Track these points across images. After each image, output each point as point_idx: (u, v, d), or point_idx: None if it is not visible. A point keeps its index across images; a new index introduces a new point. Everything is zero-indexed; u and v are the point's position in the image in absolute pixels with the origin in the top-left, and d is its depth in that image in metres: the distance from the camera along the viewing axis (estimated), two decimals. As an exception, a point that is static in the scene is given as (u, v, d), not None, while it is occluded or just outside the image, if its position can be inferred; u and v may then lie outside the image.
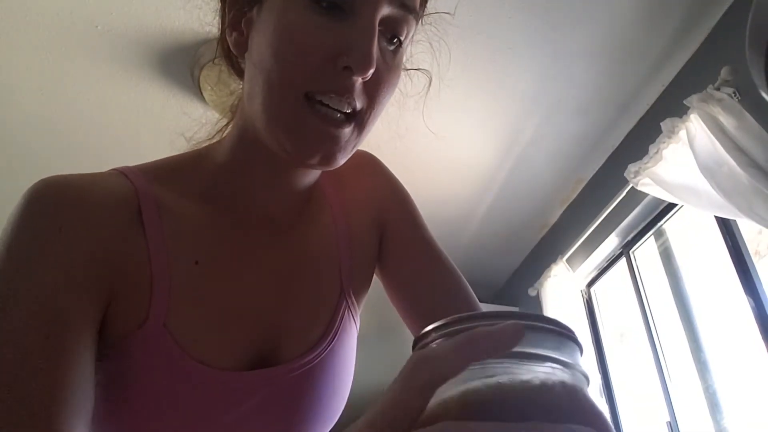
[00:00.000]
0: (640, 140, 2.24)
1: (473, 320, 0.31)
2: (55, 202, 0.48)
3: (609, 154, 2.55)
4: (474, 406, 0.28)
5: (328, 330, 0.59)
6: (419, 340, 0.33)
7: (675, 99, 2.03)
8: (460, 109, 2.32)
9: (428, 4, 0.61)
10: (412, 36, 0.57)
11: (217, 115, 2.41)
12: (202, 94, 2.15)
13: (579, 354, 0.32)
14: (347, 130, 0.51)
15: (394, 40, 0.52)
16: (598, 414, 0.28)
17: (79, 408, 0.41)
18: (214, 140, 0.64)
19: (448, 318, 0.31)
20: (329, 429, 0.60)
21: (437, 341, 0.31)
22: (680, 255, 2.28)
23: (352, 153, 0.54)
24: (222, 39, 0.62)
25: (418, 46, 0.71)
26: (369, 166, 0.75)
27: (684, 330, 2.14)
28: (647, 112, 2.31)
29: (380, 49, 0.51)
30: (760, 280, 1.78)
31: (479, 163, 2.60)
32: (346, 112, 0.50)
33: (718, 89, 1.77)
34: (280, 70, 0.49)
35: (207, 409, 0.49)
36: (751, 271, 1.81)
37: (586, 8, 1.91)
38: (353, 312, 0.64)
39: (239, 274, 0.56)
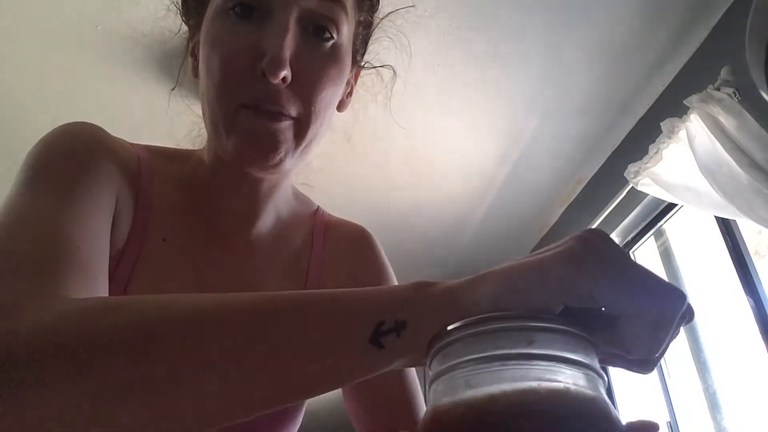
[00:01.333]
0: (640, 140, 2.24)
1: (495, 320, 0.31)
2: (94, 133, 0.54)
3: (609, 154, 2.55)
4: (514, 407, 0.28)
5: None
6: (436, 340, 0.33)
7: (675, 99, 2.03)
8: (460, 109, 2.32)
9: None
10: (357, 30, 0.57)
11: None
12: (202, 94, 2.16)
13: (595, 355, 0.32)
14: (283, 125, 0.50)
15: (325, 35, 0.52)
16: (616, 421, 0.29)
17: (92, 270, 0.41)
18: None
19: (471, 318, 0.31)
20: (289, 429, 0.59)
21: (457, 341, 0.31)
22: (680, 255, 2.28)
23: (298, 159, 0.54)
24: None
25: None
26: (365, 240, 0.71)
27: (684, 330, 2.14)
28: (647, 112, 2.31)
29: (309, 47, 0.51)
30: (760, 280, 1.78)
31: (479, 163, 2.60)
32: (278, 112, 0.50)
33: (718, 89, 1.77)
34: (213, 85, 0.51)
35: None
36: (751, 271, 1.81)
37: (586, 9, 1.91)
38: None
39: (201, 262, 0.57)
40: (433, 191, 2.79)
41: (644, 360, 0.35)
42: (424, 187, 2.76)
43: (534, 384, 0.28)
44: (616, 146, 2.50)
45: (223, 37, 0.50)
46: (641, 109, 2.32)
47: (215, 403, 0.32)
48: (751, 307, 1.77)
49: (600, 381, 0.30)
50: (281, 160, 0.52)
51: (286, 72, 0.48)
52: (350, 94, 0.64)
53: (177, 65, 2.46)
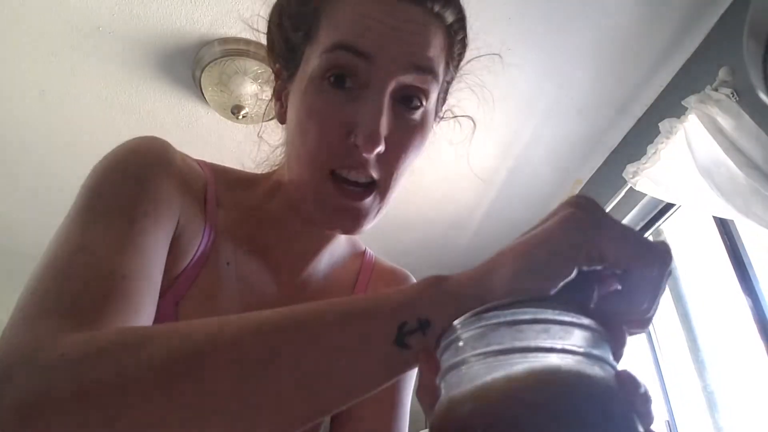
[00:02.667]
0: (639, 141, 2.24)
1: (510, 312, 0.31)
2: (166, 153, 0.54)
3: (607, 154, 2.55)
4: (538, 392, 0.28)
5: None
6: (448, 331, 0.33)
7: (673, 100, 2.03)
8: (459, 109, 2.32)
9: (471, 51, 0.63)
10: (441, 90, 0.59)
11: (218, 117, 2.40)
12: (203, 94, 2.16)
13: (609, 348, 0.32)
14: (367, 201, 0.54)
15: (414, 103, 0.53)
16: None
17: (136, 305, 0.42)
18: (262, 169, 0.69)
19: (484, 307, 0.32)
20: None
21: (472, 333, 0.31)
22: (679, 255, 2.29)
23: (378, 217, 0.57)
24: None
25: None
26: (402, 281, 0.73)
27: (682, 330, 2.15)
28: (645, 113, 2.32)
29: (398, 116, 0.52)
30: (758, 280, 1.78)
31: (478, 163, 2.61)
32: (365, 183, 0.53)
33: (716, 90, 1.78)
34: (305, 150, 0.53)
35: None
36: (749, 271, 1.81)
37: (585, 9, 1.92)
38: None
39: (252, 291, 0.58)
40: (432, 191, 2.79)
41: (642, 319, 0.36)
42: (424, 187, 2.76)
43: (554, 376, 0.28)
44: (614, 146, 2.51)
45: (319, 108, 0.52)
46: (639, 110, 2.33)
47: (249, 427, 0.31)
48: (750, 307, 1.77)
49: (614, 374, 0.31)
50: (363, 229, 0.56)
51: (381, 148, 0.50)
52: None
53: (178, 66, 2.45)
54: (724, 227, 1.93)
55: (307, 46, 0.54)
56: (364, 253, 0.72)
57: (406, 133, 0.54)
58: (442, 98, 0.65)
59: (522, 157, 2.56)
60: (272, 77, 0.63)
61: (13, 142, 2.40)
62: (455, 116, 0.70)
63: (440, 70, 0.55)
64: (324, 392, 0.33)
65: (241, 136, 2.29)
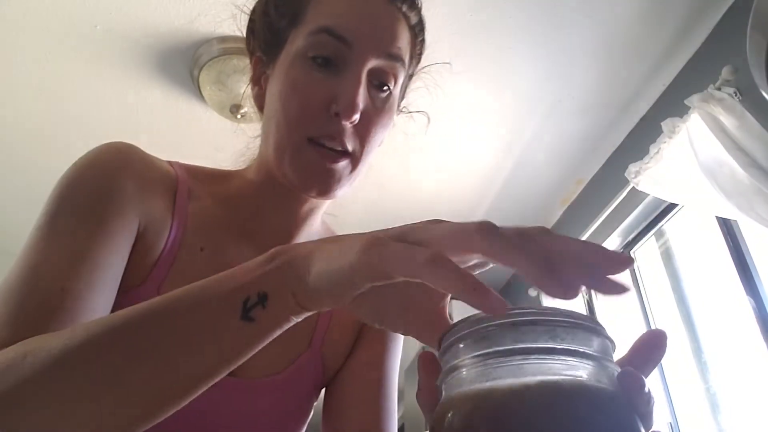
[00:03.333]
0: (641, 140, 2.24)
1: (515, 314, 0.31)
2: (128, 156, 0.59)
3: (609, 154, 2.54)
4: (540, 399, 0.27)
5: (277, 373, 0.62)
6: (451, 331, 0.32)
7: (676, 99, 2.02)
8: (461, 109, 2.31)
9: (426, 55, 0.70)
10: (404, 82, 0.67)
11: (216, 115, 2.40)
12: (201, 93, 2.15)
13: (613, 351, 0.32)
14: (341, 165, 0.59)
15: (384, 88, 0.61)
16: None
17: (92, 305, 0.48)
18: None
19: (478, 314, 0.32)
20: None
21: (475, 333, 0.31)
22: (681, 255, 2.28)
23: (348, 185, 0.63)
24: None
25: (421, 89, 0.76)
26: None
27: (685, 330, 2.14)
28: (648, 112, 2.31)
29: (370, 96, 0.60)
30: (760, 280, 1.78)
31: (479, 163, 2.60)
32: (339, 150, 0.58)
33: (719, 89, 1.77)
34: (286, 118, 0.58)
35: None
36: (752, 271, 1.81)
37: (587, 8, 1.91)
38: (316, 366, 0.66)
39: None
40: (433, 190, 2.78)
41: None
42: (424, 187, 2.76)
43: (557, 379, 0.28)
44: (616, 146, 2.50)
45: (304, 81, 0.58)
46: (642, 109, 2.32)
47: (123, 413, 0.36)
48: (752, 307, 1.76)
49: (616, 375, 0.30)
50: (335, 193, 0.61)
51: (357, 116, 0.57)
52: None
53: (176, 65, 2.46)
54: (727, 227, 1.92)
55: (292, 30, 0.61)
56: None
57: (377, 111, 0.60)
58: (402, 93, 0.71)
59: (523, 156, 2.56)
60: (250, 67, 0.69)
61: (10, 141, 2.40)
62: (410, 112, 0.77)
63: (406, 60, 0.63)
64: (187, 372, 0.36)
65: (240, 134, 2.29)
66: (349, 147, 0.59)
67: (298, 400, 0.65)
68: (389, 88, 0.61)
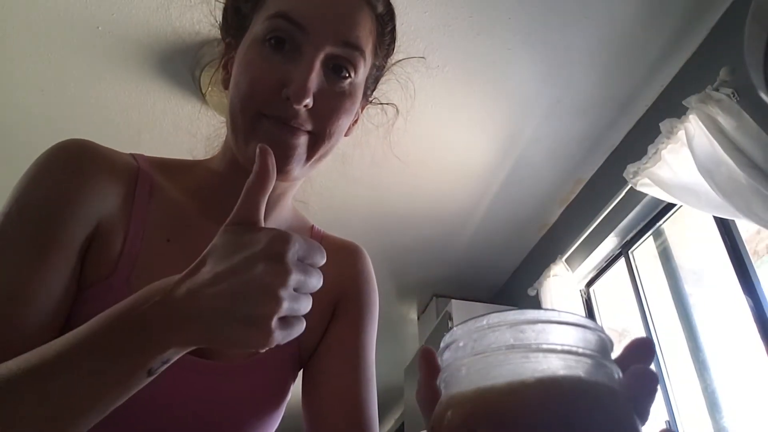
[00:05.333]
0: (639, 140, 2.24)
1: (513, 313, 0.31)
2: (78, 156, 0.59)
3: (608, 154, 2.55)
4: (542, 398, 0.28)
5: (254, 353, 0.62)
6: (452, 330, 0.33)
7: (674, 99, 2.03)
8: (460, 109, 2.32)
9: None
10: (371, 72, 0.67)
11: (217, 115, 2.41)
12: (203, 94, 2.15)
13: (611, 349, 0.32)
14: (300, 140, 0.58)
15: (344, 74, 0.60)
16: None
17: (42, 310, 0.51)
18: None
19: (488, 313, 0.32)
20: None
21: (474, 332, 0.31)
22: (679, 255, 2.29)
23: (307, 170, 0.61)
24: None
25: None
26: (357, 252, 0.78)
27: (683, 330, 2.15)
28: (646, 113, 2.32)
29: (328, 82, 0.59)
30: (758, 280, 1.78)
31: (479, 163, 2.60)
32: (296, 127, 0.58)
33: (716, 90, 1.77)
34: (239, 95, 0.58)
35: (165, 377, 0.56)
36: (750, 271, 1.81)
37: (585, 9, 1.92)
38: (292, 347, 0.66)
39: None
40: (432, 191, 2.79)
41: None
42: (424, 187, 2.76)
43: (556, 377, 0.28)
44: (615, 146, 2.50)
45: (257, 61, 0.58)
46: (640, 110, 2.32)
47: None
48: (750, 307, 1.77)
49: (617, 375, 0.30)
50: (293, 169, 0.59)
51: (308, 101, 0.56)
52: (356, 122, 0.72)
53: (178, 65, 2.47)
54: (725, 227, 1.93)
55: (255, 14, 0.61)
56: (312, 228, 0.76)
57: (336, 96, 0.60)
58: (373, 82, 0.71)
59: (522, 156, 2.56)
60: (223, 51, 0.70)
61: (13, 141, 2.40)
62: (381, 103, 0.77)
63: (368, 50, 0.62)
64: (84, 416, 0.41)
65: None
66: (308, 127, 0.58)
67: (275, 380, 0.65)
68: (350, 76, 0.60)
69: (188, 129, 2.35)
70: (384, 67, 0.72)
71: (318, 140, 0.59)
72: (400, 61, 0.74)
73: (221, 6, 0.68)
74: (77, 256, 0.56)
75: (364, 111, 0.73)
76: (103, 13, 1.90)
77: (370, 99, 0.73)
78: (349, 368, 0.67)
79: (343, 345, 0.69)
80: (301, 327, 0.43)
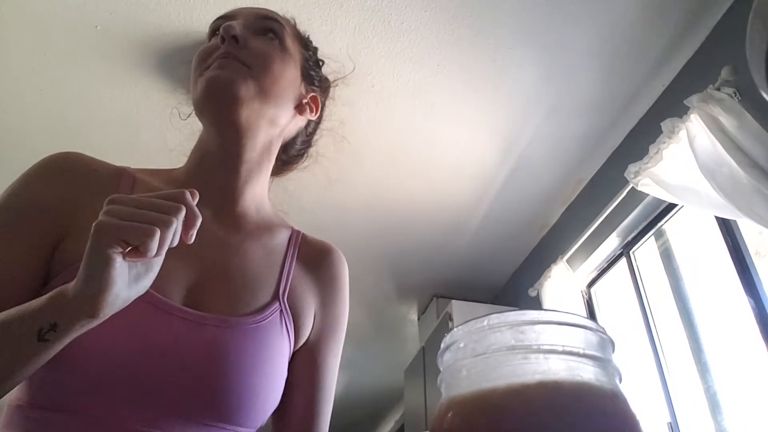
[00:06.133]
0: (641, 140, 2.24)
1: (514, 315, 0.31)
2: (58, 165, 0.66)
3: (609, 154, 2.55)
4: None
5: (257, 313, 0.65)
6: (451, 332, 0.32)
7: (675, 99, 2.03)
8: (461, 109, 2.31)
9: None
10: (297, 48, 0.78)
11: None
12: (201, 94, 2.15)
13: (612, 350, 0.32)
14: (236, 64, 0.67)
15: (269, 35, 0.73)
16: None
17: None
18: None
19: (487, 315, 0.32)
20: (252, 425, 0.63)
21: (474, 334, 0.31)
22: (680, 255, 2.28)
23: (255, 94, 0.68)
24: None
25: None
26: (337, 256, 0.81)
27: (684, 330, 2.14)
28: (647, 113, 2.31)
29: (258, 36, 0.72)
30: (760, 280, 1.78)
31: (479, 163, 2.60)
32: (233, 56, 0.68)
33: (718, 89, 1.77)
34: (194, 74, 0.71)
35: (142, 321, 0.58)
36: (752, 271, 1.81)
37: (587, 8, 1.91)
38: (287, 321, 0.68)
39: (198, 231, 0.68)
40: (433, 191, 2.78)
41: None
42: (425, 188, 2.76)
43: (557, 378, 0.28)
44: (616, 146, 2.50)
45: (200, 47, 0.73)
46: (641, 109, 2.32)
47: None
48: (752, 307, 1.76)
49: (617, 376, 0.30)
50: (237, 85, 0.66)
51: (236, 32, 0.68)
52: (314, 110, 0.81)
53: (176, 65, 2.46)
54: (726, 227, 1.92)
55: None
56: (292, 228, 0.80)
57: (265, 43, 0.72)
58: (314, 72, 0.82)
59: (523, 156, 2.56)
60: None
61: (10, 141, 2.40)
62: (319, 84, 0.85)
63: (287, 29, 0.76)
64: None
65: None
66: (244, 60, 0.68)
67: (272, 349, 0.65)
68: (275, 36, 0.73)
69: (187, 128, 2.35)
70: (318, 63, 0.83)
71: (255, 73, 0.68)
72: (336, 81, 0.88)
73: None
74: (46, 249, 0.61)
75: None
76: (101, 12, 1.90)
77: (317, 86, 0.82)
78: (312, 381, 0.72)
79: (311, 356, 0.73)
80: (148, 255, 0.47)
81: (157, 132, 2.37)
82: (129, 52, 2.05)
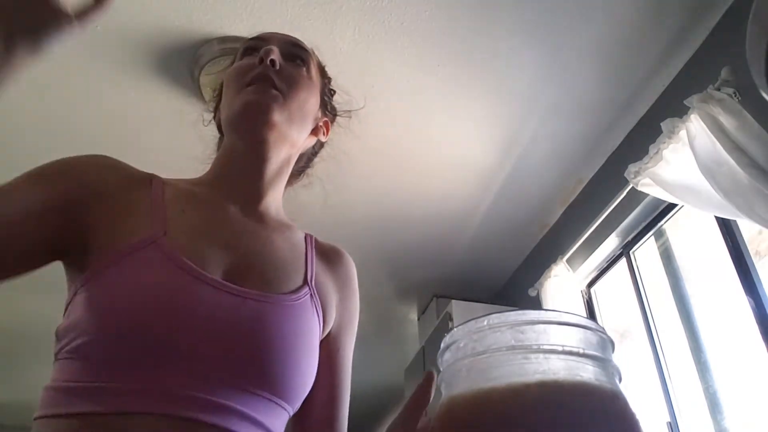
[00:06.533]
0: (641, 140, 2.24)
1: (515, 314, 0.31)
2: (97, 158, 0.71)
3: (609, 154, 2.54)
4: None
5: (292, 293, 0.69)
6: (452, 331, 0.33)
7: (675, 99, 2.03)
8: (460, 109, 2.31)
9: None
10: (318, 76, 0.86)
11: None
12: (201, 94, 2.15)
13: (612, 350, 0.32)
14: (274, 92, 0.73)
15: (298, 61, 0.81)
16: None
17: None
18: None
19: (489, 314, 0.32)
20: (292, 401, 0.64)
21: (475, 333, 0.31)
22: (680, 255, 2.28)
23: (284, 119, 0.74)
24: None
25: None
26: (349, 258, 0.87)
27: (684, 330, 2.14)
28: (647, 113, 2.31)
29: (288, 63, 0.79)
30: (760, 280, 1.78)
31: (479, 163, 2.60)
32: (272, 86, 0.74)
33: (718, 89, 1.77)
34: (228, 88, 0.77)
35: (188, 290, 0.60)
36: (752, 271, 1.81)
37: (587, 8, 1.91)
38: (317, 306, 0.72)
39: (217, 223, 0.71)
40: (433, 191, 2.78)
41: None
42: (425, 188, 2.75)
43: (557, 378, 0.28)
44: (616, 146, 2.50)
45: (236, 65, 0.80)
46: (641, 109, 2.32)
47: None
48: (752, 307, 1.76)
49: (617, 376, 0.30)
50: (272, 110, 0.73)
51: (274, 56, 0.75)
52: (325, 133, 0.88)
53: (177, 65, 2.46)
54: (726, 227, 1.92)
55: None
56: (304, 232, 0.85)
57: (295, 70, 0.79)
58: (329, 101, 0.90)
59: (523, 156, 2.56)
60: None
61: (10, 142, 2.40)
62: (333, 92, 0.94)
63: (313, 59, 0.84)
64: None
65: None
66: (277, 84, 0.74)
67: (309, 328, 0.68)
68: (303, 64, 0.81)
69: (187, 128, 2.34)
70: (332, 93, 0.92)
71: (285, 98, 0.75)
72: (344, 113, 0.95)
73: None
74: (62, 213, 0.62)
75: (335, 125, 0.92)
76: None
77: (329, 112, 0.90)
78: (334, 373, 0.76)
79: (333, 347, 0.77)
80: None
81: (156, 132, 2.37)
82: (129, 52, 2.05)
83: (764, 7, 1.53)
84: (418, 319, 3.79)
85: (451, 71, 2.15)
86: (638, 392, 2.35)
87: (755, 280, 1.79)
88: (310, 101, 0.80)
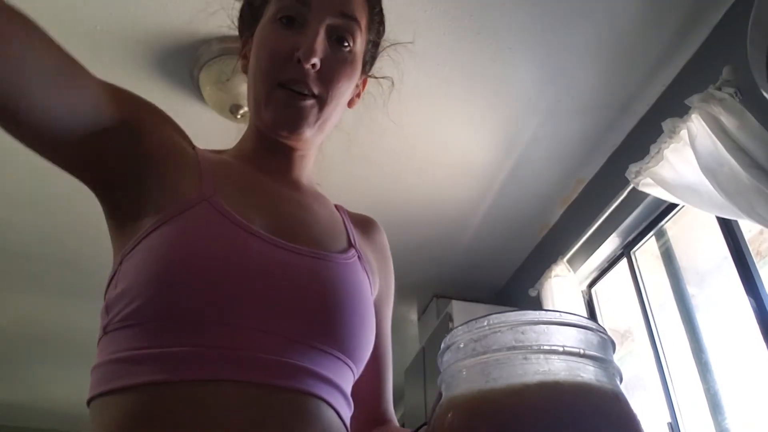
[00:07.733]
0: (641, 140, 2.23)
1: (515, 315, 0.31)
2: (167, 116, 0.70)
3: (610, 154, 2.54)
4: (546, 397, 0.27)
5: (342, 253, 0.68)
6: (452, 331, 0.32)
7: (676, 99, 2.02)
8: (461, 109, 2.31)
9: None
10: (368, 47, 0.78)
11: (216, 115, 2.40)
12: (201, 93, 2.15)
13: (613, 351, 0.31)
14: (308, 103, 0.68)
15: (344, 44, 0.71)
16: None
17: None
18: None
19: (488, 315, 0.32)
20: (358, 361, 0.63)
21: (475, 333, 0.31)
22: (681, 255, 2.28)
23: (317, 131, 0.71)
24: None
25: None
26: (381, 228, 0.86)
27: (685, 330, 2.14)
28: (648, 112, 2.31)
29: (331, 49, 0.69)
30: (761, 280, 1.77)
31: (479, 163, 2.60)
32: (305, 93, 0.67)
33: (719, 89, 1.77)
34: (260, 69, 0.69)
35: (247, 249, 0.58)
36: (753, 271, 1.80)
37: (587, 8, 1.91)
38: (366, 267, 0.72)
39: (258, 188, 0.70)
40: (433, 191, 2.78)
41: None
42: (425, 188, 2.75)
43: (557, 378, 0.28)
44: (617, 146, 2.50)
45: (272, 38, 0.69)
46: (642, 109, 2.32)
47: None
48: (753, 307, 1.76)
49: (618, 377, 0.30)
50: (304, 130, 0.69)
51: (316, 59, 0.66)
52: (359, 95, 0.82)
53: (176, 65, 2.46)
54: (727, 227, 1.92)
55: (265, 5, 0.73)
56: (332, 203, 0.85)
57: (338, 62, 0.70)
58: (370, 58, 0.82)
59: (523, 156, 2.56)
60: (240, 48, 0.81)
61: (6, 142, 2.40)
62: (377, 77, 0.87)
63: (363, 23, 0.73)
64: None
65: (240, 135, 2.29)
66: (315, 90, 0.68)
67: (364, 286, 0.68)
68: (349, 45, 0.71)
69: (187, 128, 2.34)
70: (378, 44, 0.83)
71: (323, 103, 0.69)
72: (393, 44, 0.87)
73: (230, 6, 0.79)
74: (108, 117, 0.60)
75: (365, 90, 0.84)
76: (101, 13, 1.90)
77: (369, 73, 0.83)
78: (380, 352, 0.75)
79: (377, 315, 0.74)
80: None
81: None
82: (128, 52, 2.05)
83: (765, 7, 1.53)
84: (418, 319, 3.79)
85: (452, 71, 2.14)
86: (638, 392, 2.35)
87: (756, 280, 1.78)
88: (350, 88, 0.73)
